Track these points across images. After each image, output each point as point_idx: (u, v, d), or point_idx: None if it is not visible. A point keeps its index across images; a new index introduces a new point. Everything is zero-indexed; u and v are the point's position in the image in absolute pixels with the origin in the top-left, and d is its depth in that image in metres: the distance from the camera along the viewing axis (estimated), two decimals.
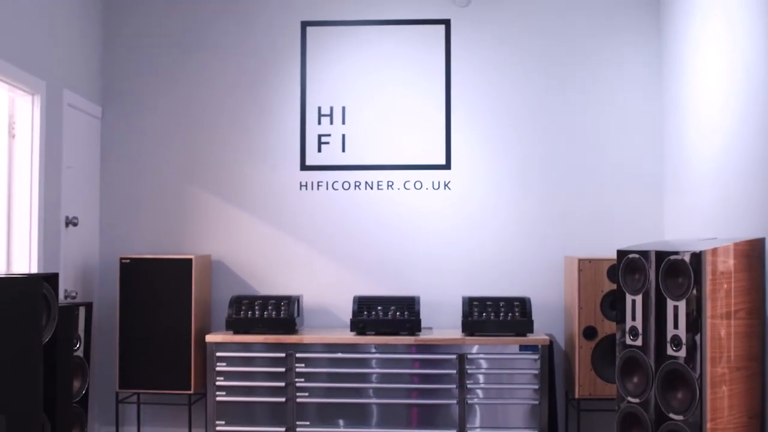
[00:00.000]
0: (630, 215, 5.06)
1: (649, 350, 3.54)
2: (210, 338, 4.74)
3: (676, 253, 3.41)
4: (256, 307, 4.79)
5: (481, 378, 4.63)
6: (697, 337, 3.29)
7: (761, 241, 3.46)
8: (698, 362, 3.28)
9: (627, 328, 3.69)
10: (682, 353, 3.34)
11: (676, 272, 3.40)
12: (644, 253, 3.61)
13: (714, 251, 3.32)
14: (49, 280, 2.90)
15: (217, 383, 4.70)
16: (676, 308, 3.38)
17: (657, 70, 5.10)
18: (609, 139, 5.12)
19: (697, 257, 3.30)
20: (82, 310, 3.95)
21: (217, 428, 4.68)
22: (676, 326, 3.38)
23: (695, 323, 3.30)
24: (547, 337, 4.65)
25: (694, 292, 3.30)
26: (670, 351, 3.40)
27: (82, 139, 4.90)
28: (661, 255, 3.48)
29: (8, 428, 2.37)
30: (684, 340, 3.34)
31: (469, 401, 4.61)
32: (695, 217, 4.53)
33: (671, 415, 3.38)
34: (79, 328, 3.94)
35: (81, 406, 3.97)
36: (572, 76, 5.15)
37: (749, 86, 3.80)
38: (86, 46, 5.00)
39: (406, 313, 4.77)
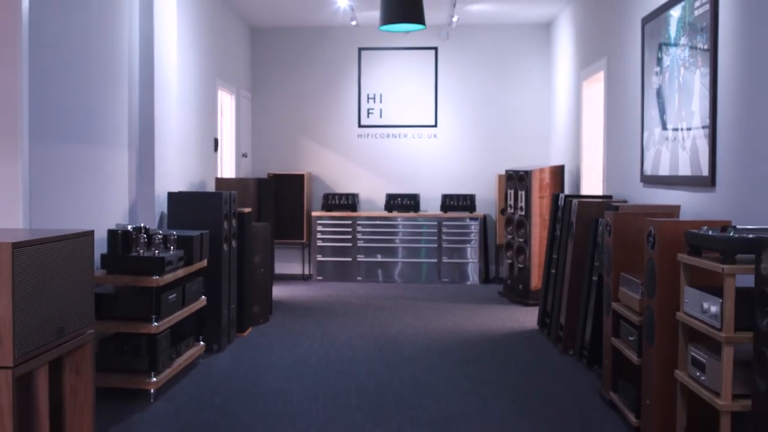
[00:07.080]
0: (533, 153, 9.54)
1: (515, 214, 8.12)
2: (314, 214, 9.42)
3: (526, 171, 7.94)
4: (335, 198, 9.44)
5: (449, 234, 9.25)
6: (528, 206, 7.86)
7: (562, 166, 7.98)
8: (529, 216, 7.86)
9: (507, 205, 8.27)
10: (524, 213, 7.92)
11: (521, 179, 7.95)
12: (513, 171, 8.15)
13: (541, 170, 7.86)
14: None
15: (318, 237, 9.39)
16: (521, 194, 7.95)
17: (547, 75, 9.51)
18: (522, 113, 9.58)
19: (529, 173, 7.84)
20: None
21: (318, 259, 9.39)
22: (521, 202, 7.95)
23: (527, 200, 7.86)
24: (483, 214, 9.26)
25: (528, 186, 7.86)
26: (518, 213, 7.99)
27: (244, 113, 9.48)
28: (517, 171, 8.04)
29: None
30: (523, 207, 7.91)
31: (443, 246, 9.25)
32: (554, 152, 9.03)
33: (519, 240, 7.99)
34: None
35: None
36: (505, 78, 9.58)
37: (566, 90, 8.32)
38: (245, 61, 9.54)
39: (413, 201, 9.38)
